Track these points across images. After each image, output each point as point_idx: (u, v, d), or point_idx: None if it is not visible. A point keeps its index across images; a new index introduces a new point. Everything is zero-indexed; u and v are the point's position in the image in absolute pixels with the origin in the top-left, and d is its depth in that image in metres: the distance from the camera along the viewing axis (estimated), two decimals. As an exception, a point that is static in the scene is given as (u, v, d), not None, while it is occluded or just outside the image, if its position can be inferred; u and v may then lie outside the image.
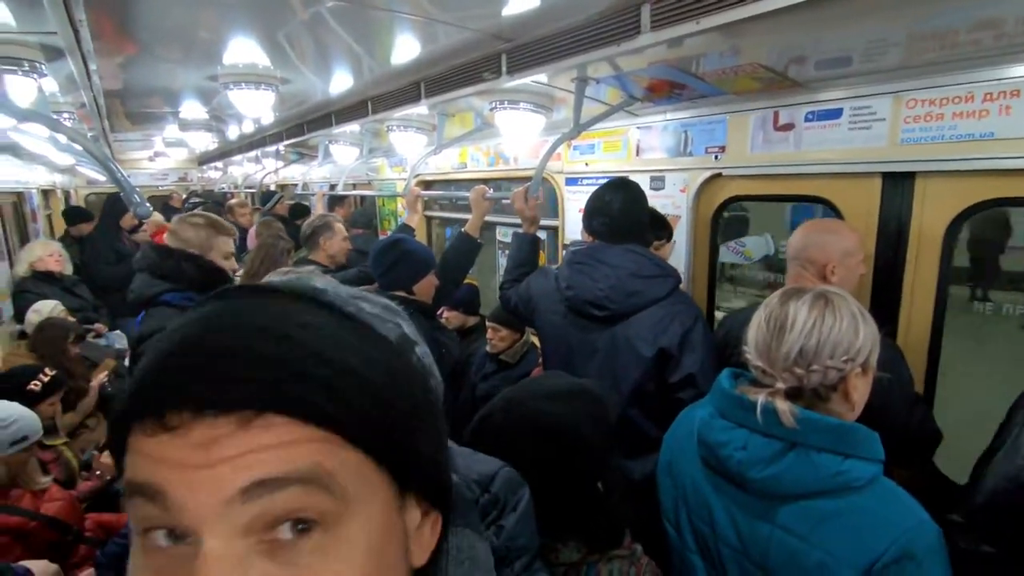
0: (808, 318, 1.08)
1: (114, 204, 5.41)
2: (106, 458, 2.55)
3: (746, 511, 1.10)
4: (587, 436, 1.10)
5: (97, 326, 4.02)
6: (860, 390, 1.08)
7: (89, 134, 4.49)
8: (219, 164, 8.48)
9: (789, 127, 2.00)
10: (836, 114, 1.87)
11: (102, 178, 7.32)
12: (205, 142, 5.52)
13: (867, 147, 1.80)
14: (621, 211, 1.91)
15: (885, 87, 1.73)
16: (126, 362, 3.55)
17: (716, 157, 2.25)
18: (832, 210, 1.99)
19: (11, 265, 4.68)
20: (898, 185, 1.80)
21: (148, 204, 2.14)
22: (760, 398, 1.06)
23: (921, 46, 1.54)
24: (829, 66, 1.76)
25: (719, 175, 2.29)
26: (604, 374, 1.84)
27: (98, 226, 5.52)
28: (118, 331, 4.29)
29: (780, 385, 1.08)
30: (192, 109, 4.03)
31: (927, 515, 0.98)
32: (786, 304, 1.11)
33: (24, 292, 4.02)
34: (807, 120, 1.94)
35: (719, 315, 2.55)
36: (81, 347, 3.36)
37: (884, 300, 1.84)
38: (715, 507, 1.15)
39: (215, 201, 7.44)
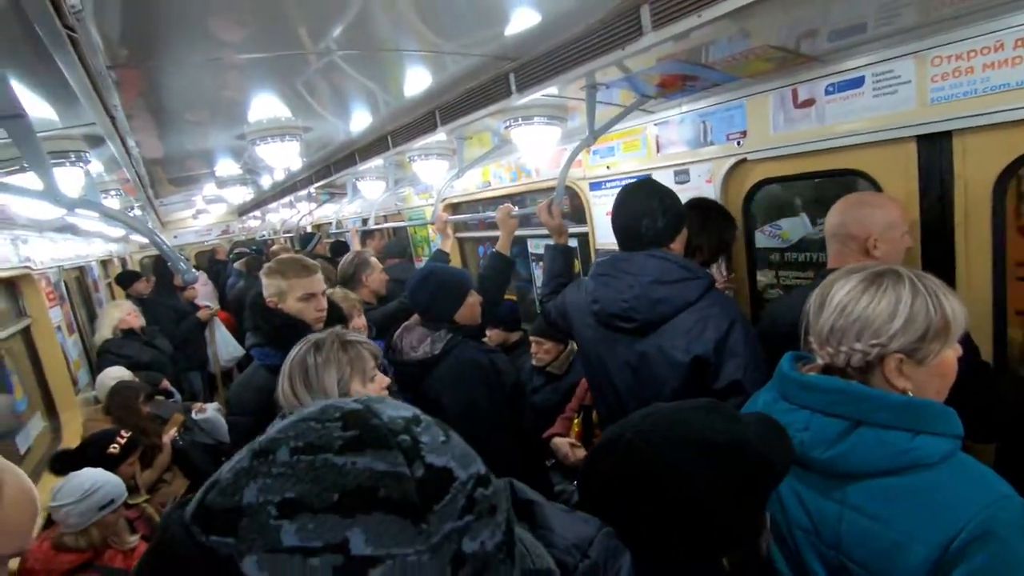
0: (845, 297, 1.03)
1: (165, 266, 5.69)
2: None
3: (813, 490, 1.06)
4: (776, 465, 0.93)
5: (163, 384, 4.21)
6: (915, 379, 1.00)
7: (136, 204, 4.77)
8: (257, 213, 8.83)
9: (810, 103, 1.94)
10: (858, 83, 1.81)
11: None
12: (242, 195, 5.76)
13: (896, 112, 1.73)
14: (627, 216, 1.82)
15: (906, 48, 1.67)
16: (194, 415, 3.71)
17: (738, 143, 2.21)
18: (869, 181, 1.92)
19: (82, 336, 4.98)
20: (935, 147, 1.72)
21: (193, 270, 2.23)
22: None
23: (938, 0, 1.48)
24: (843, 35, 1.70)
25: (744, 160, 2.24)
26: (640, 389, 1.78)
27: (155, 289, 5.84)
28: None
29: (819, 362, 1.07)
30: (226, 167, 4.23)
31: (1011, 490, 0.92)
32: (836, 280, 1.08)
33: (106, 353, 4.28)
34: (828, 93, 1.88)
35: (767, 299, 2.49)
36: (151, 406, 3.54)
37: (937, 269, 1.75)
38: (783, 490, 1.11)
39: (256, 249, 7.75)
